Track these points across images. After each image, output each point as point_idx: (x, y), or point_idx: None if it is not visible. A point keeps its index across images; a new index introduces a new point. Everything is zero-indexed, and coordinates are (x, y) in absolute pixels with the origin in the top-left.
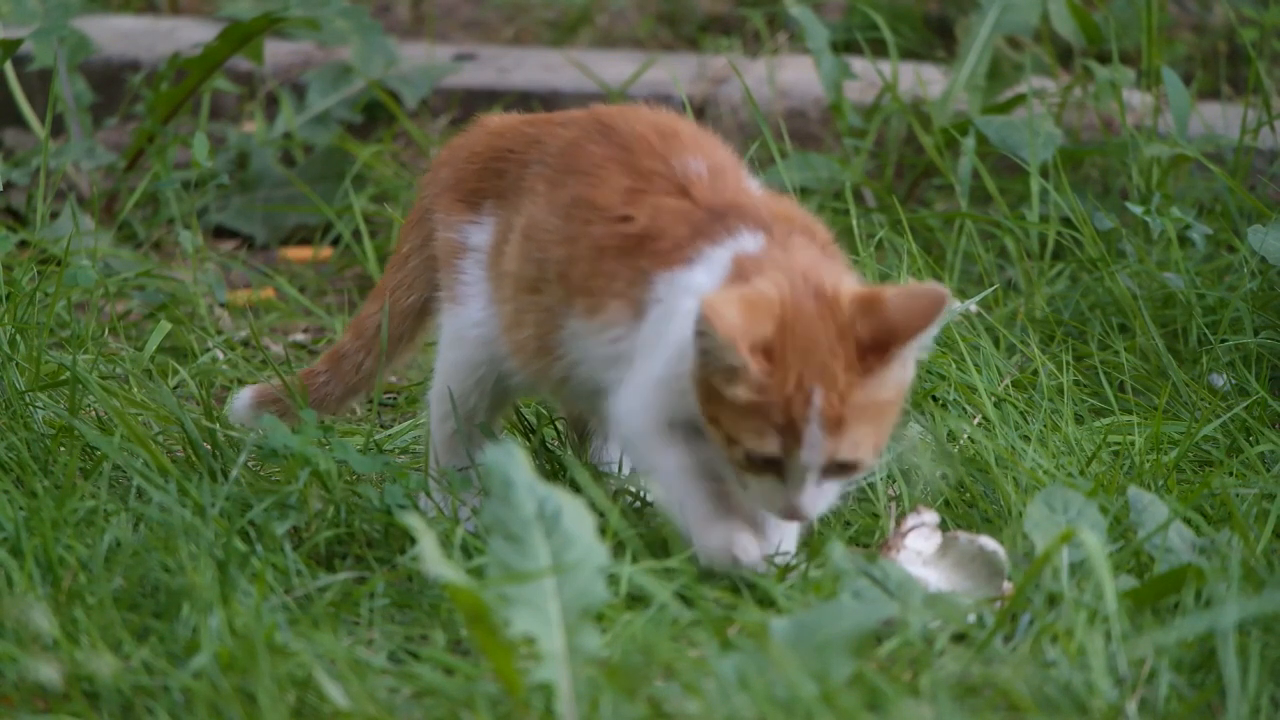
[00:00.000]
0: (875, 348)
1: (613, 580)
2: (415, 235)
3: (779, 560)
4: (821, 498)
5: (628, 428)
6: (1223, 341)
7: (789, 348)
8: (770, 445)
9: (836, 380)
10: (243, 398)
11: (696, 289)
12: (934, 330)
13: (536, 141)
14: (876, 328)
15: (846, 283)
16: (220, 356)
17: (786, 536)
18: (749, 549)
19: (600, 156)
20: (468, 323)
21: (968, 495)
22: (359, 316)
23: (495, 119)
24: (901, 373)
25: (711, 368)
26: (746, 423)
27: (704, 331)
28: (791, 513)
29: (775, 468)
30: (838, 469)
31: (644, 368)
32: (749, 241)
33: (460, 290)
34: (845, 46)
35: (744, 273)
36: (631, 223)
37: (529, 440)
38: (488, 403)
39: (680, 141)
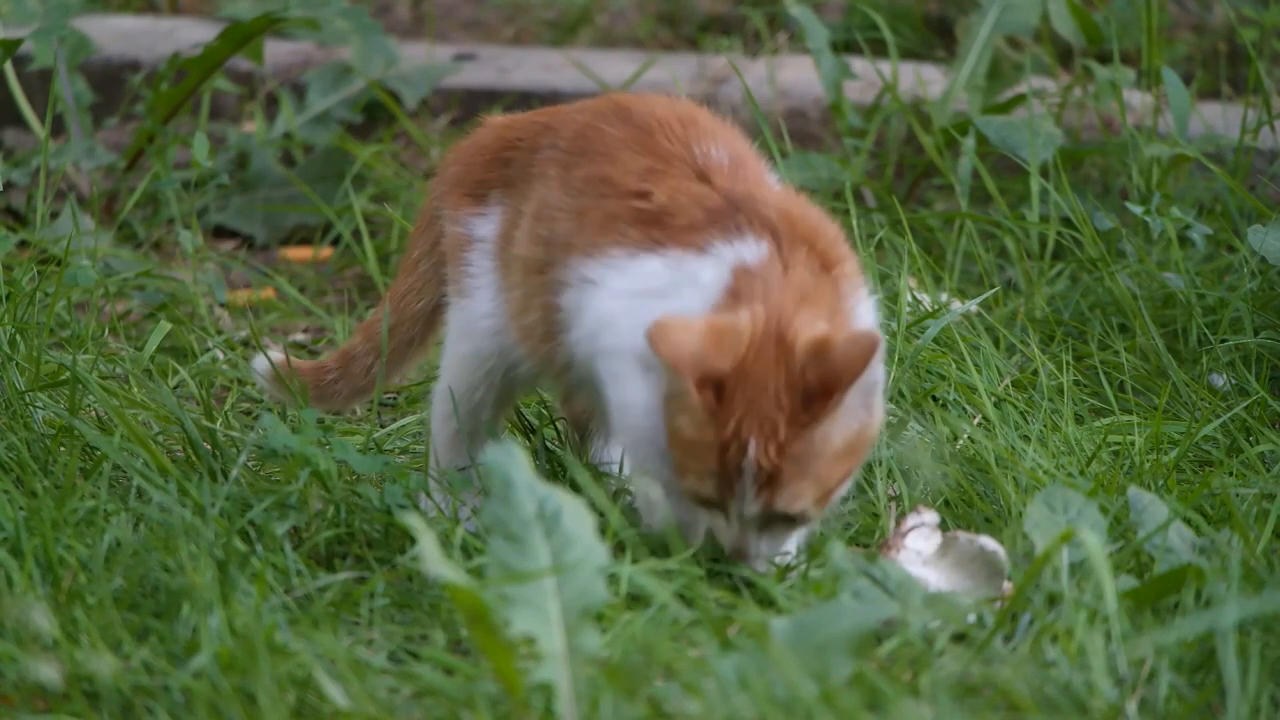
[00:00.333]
0: (821, 395)
1: (613, 580)
2: (424, 240)
3: (779, 560)
4: (767, 545)
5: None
6: (1223, 341)
7: (738, 392)
8: (707, 488)
9: (777, 431)
10: (263, 362)
11: (700, 283)
12: (870, 375)
13: (548, 129)
14: (823, 374)
15: (810, 325)
16: (220, 356)
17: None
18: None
19: (618, 138)
20: (476, 314)
21: (967, 495)
22: (370, 319)
23: (501, 117)
24: (851, 420)
25: (668, 388)
26: (689, 460)
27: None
28: (736, 554)
29: (719, 505)
30: (781, 520)
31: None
32: (752, 249)
33: (468, 283)
34: (845, 46)
35: (737, 293)
36: (649, 199)
37: (529, 440)
38: (494, 396)
39: (700, 128)
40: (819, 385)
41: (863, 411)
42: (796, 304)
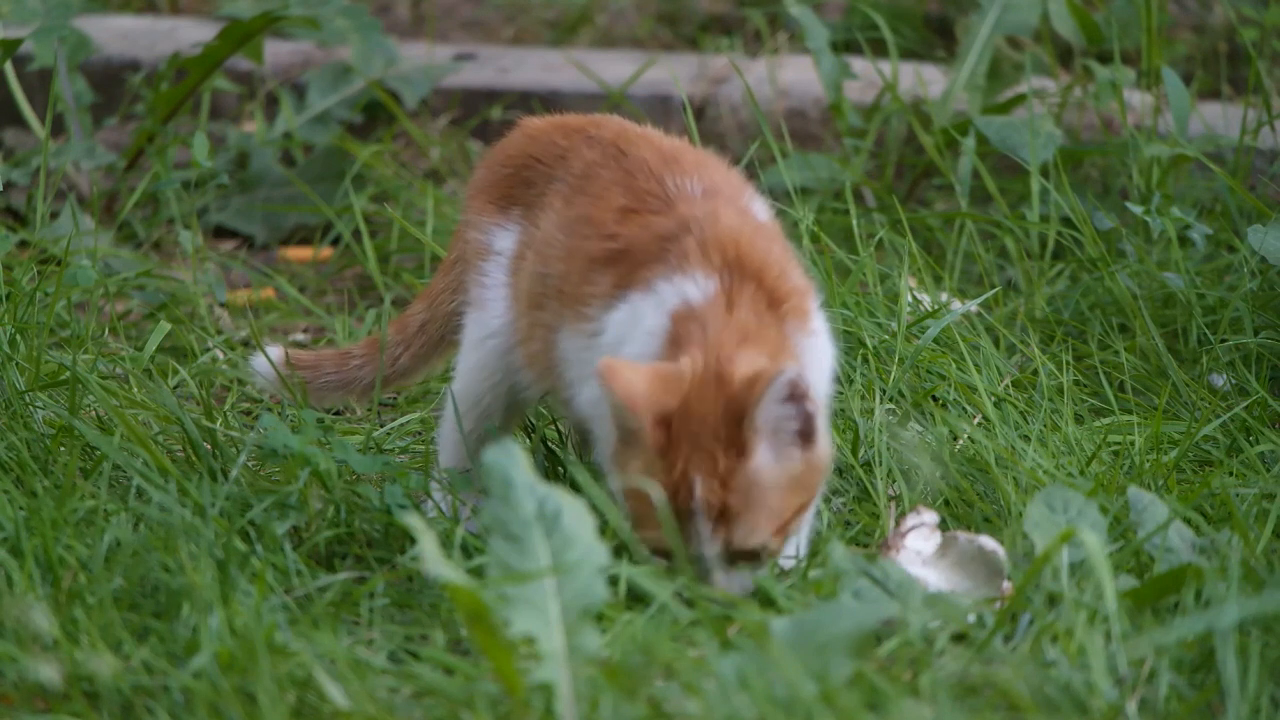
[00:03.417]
0: (742, 431)
1: (613, 580)
2: (461, 242)
3: (784, 564)
4: (738, 582)
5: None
6: (1223, 341)
7: (682, 432)
8: (662, 538)
9: (717, 467)
10: (272, 354)
11: (646, 329)
12: (775, 410)
13: (563, 157)
14: (738, 412)
15: (750, 364)
16: (220, 356)
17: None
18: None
19: (608, 179)
20: (487, 330)
21: (967, 495)
22: (403, 315)
23: (534, 122)
24: (784, 452)
25: (619, 430)
26: (645, 510)
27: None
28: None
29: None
30: (745, 557)
31: None
32: (698, 287)
33: (481, 294)
34: (845, 46)
35: (678, 340)
36: (616, 239)
37: (529, 440)
38: (502, 405)
39: (681, 165)
40: (739, 423)
41: (793, 446)
42: (738, 344)
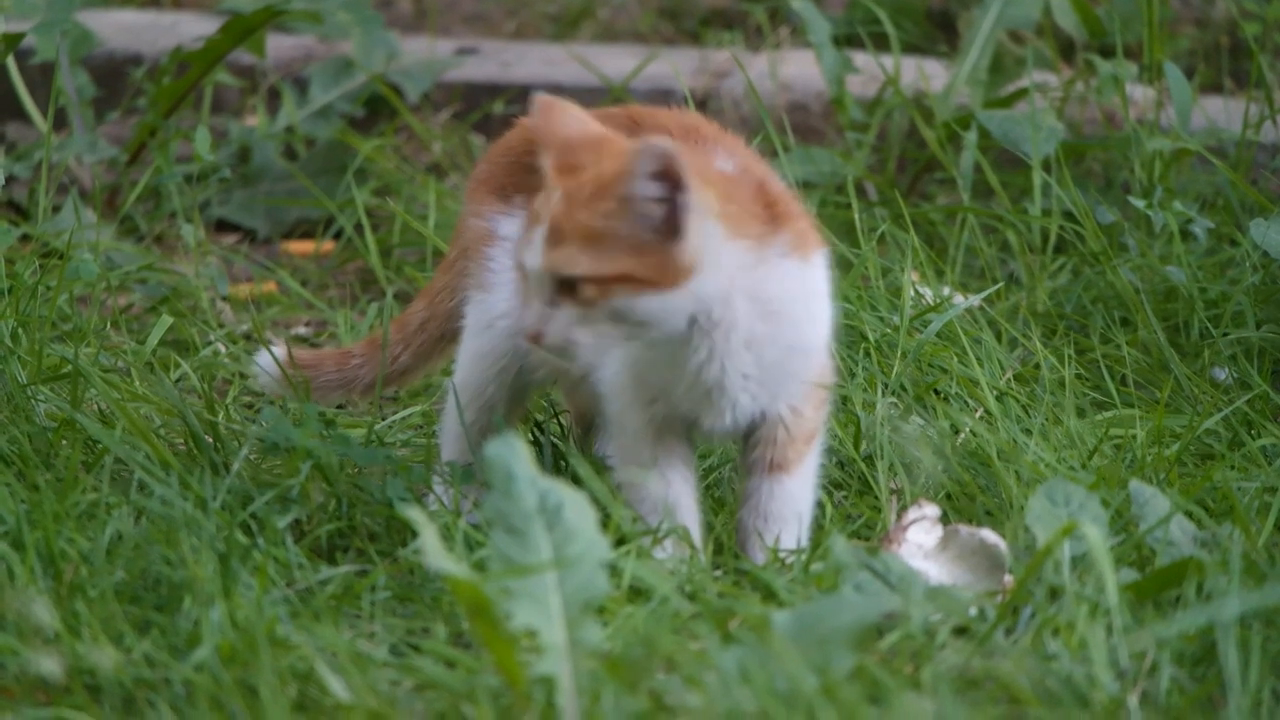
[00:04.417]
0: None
1: (614, 573)
2: (462, 236)
3: (784, 545)
4: (553, 322)
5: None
6: (1224, 335)
7: (569, 166)
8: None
9: (577, 204)
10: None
11: None
12: (633, 178)
13: None
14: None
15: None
16: (222, 350)
17: (785, 531)
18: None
19: None
20: (494, 312)
21: (969, 489)
22: (404, 313)
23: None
24: (635, 221)
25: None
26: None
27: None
28: (526, 331)
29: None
30: (564, 289)
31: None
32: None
33: (488, 278)
34: (847, 40)
35: None
36: None
37: (532, 433)
38: (506, 394)
39: (700, 134)
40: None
41: (649, 222)
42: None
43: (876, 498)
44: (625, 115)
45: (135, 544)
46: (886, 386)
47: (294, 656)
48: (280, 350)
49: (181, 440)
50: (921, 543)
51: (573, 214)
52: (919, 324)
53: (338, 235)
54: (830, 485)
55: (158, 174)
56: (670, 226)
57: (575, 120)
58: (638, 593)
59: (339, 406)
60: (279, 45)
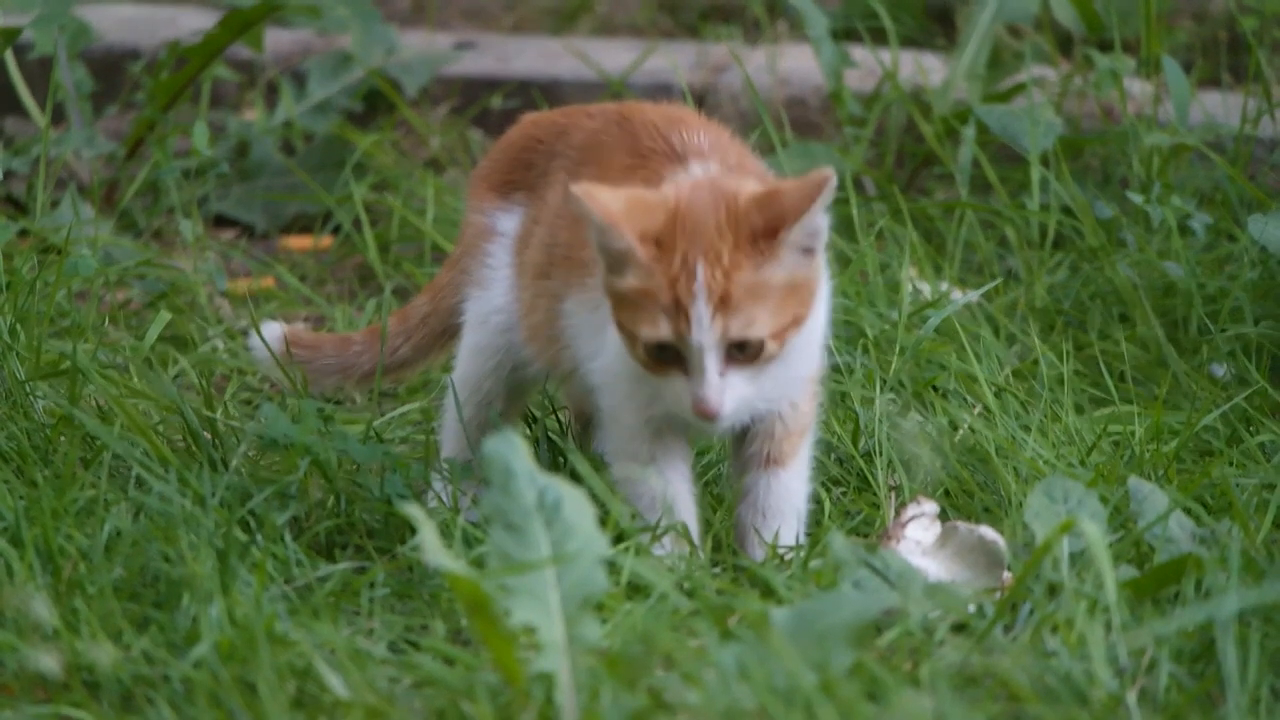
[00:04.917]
0: (767, 233)
1: (613, 570)
2: (464, 234)
3: (783, 540)
4: (730, 391)
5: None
6: (1223, 331)
7: (678, 236)
8: (662, 329)
9: (721, 257)
10: (272, 330)
11: None
12: (819, 210)
13: (564, 133)
14: (769, 215)
15: (749, 186)
16: (220, 346)
17: (784, 527)
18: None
19: (612, 144)
20: (490, 308)
21: (967, 485)
22: (406, 306)
23: (535, 114)
24: (796, 259)
25: (607, 261)
26: (639, 313)
27: (582, 214)
28: (699, 406)
29: (678, 361)
30: (738, 352)
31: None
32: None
33: (485, 274)
34: (845, 34)
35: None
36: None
37: (531, 429)
38: (503, 390)
39: (686, 124)
40: (766, 224)
41: (803, 256)
42: (728, 175)
43: (875, 494)
44: (615, 110)
45: (134, 540)
46: (885, 383)
47: (292, 653)
48: (280, 328)
49: (180, 436)
50: (920, 539)
51: (733, 275)
52: (917, 320)
53: (336, 230)
54: (829, 482)
55: (156, 169)
56: (810, 250)
57: (615, 197)
58: (636, 589)
59: (336, 402)
60: (277, 40)
